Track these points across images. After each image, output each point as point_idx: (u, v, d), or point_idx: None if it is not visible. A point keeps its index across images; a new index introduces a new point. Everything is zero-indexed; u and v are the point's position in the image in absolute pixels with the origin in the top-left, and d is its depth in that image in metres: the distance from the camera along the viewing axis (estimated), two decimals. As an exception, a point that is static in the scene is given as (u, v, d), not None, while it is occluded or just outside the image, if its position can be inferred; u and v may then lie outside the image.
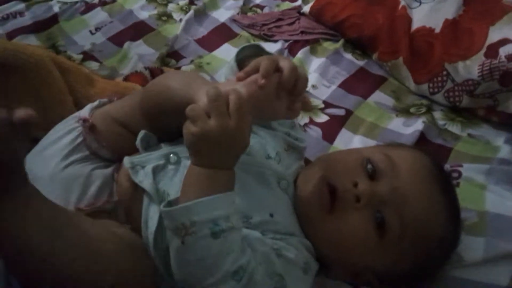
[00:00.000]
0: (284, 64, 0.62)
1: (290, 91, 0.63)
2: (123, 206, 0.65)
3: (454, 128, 1.02)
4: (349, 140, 0.95)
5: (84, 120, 0.71)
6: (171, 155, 0.68)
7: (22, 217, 0.49)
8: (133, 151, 0.70)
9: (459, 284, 0.70)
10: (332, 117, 1.01)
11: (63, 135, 0.70)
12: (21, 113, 0.46)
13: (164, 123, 0.70)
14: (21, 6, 1.20)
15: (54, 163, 0.67)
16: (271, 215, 0.65)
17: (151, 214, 0.63)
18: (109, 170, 0.69)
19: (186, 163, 0.66)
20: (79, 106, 0.80)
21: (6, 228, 0.49)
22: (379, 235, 0.65)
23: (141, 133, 0.70)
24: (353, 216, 0.65)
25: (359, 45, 1.21)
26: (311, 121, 0.99)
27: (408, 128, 1.00)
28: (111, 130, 0.72)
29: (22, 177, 0.50)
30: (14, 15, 1.17)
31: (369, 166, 0.68)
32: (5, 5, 1.20)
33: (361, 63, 1.16)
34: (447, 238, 0.68)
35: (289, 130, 0.78)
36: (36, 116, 0.47)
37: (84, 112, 0.74)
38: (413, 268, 0.67)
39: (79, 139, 0.70)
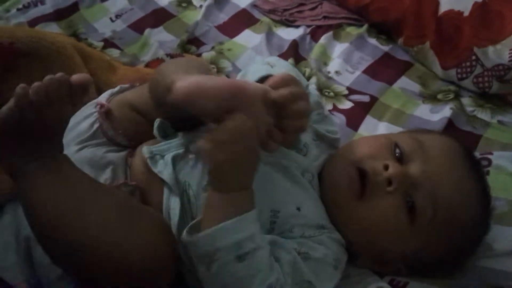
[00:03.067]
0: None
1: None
2: (140, 192, 0.64)
3: (483, 115, 0.98)
4: (374, 127, 0.93)
5: (101, 106, 0.71)
6: (192, 143, 0.66)
7: (52, 178, 0.52)
8: (149, 138, 0.69)
9: (489, 274, 0.68)
10: (356, 103, 0.98)
11: (81, 120, 0.70)
12: (79, 77, 0.49)
13: (166, 112, 0.68)
14: (26, -3, 1.19)
15: (69, 146, 0.67)
16: (298, 209, 0.64)
17: (173, 206, 0.62)
18: (122, 154, 0.68)
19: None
20: (100, 93, 0.79)
21: (35, 186, 0.52)
22: (410, 219, 0.63)
23: (157, 121, 0.69)
24: (384, 200, 0.63)
25: (384, 30, 1.17)
26: (335, 108, 0.97)
27: (436, 114, 0.97)
28: (128, 117, 0.71)
29: (59, 142, 0.54)
30: (35, 3, 1.17)
31: (397, 150, 0.66)
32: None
33: (385, 48, 1.13)
34: (477, 223, 0.66)
35: (316, 122, 0.75)
36: (92, 80, 0.50)
37: (102, 97, 0.73)
38: (443, 255, 0.65)
39: (96, 125, 0.70)
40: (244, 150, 0.54)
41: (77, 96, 0.52)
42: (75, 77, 0.51)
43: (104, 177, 0.65)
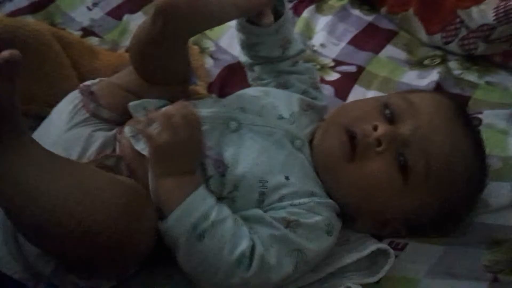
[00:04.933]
0: None
1: None
2: (127, 166, 0.63)
3: (471, 77, 0.98)
4: (363, 96, 0.92)
5: (84, 86, 0.70)
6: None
7: (17, 162, 0.51)
8: None
9: (487, 229, 0.69)
10: (344, 74, 0.97)
11: (66, 106, 0.69)
12: (5, 54, 0.47)
13: (156, 66, 0.69)
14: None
15: (57, 130, 0.66)
16: (287, 178, 0.63)
17: None
18: (111, 132, 0.67)
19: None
20: (83, 80, 0.77)
21: (1, 174, 0.50)
22: (404, 178, 0.63)
23: (134, 103, 0.68)
24: (375, 161, 0.63)
25: (366, 0, 1.16)
26: (322, 80, 0.95)
27: (423, 80, 0.96)
28: (113, 93, 0.70)
29: (17, 124, 0.52)
30: (10, -2, 1.14)
31: (387, 110, 0.65)
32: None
33: (369, 18, 1.12)
34: (472, 177, 0.66)
35: (308, 87, 0.75)
36: (20, 56, 0.48)
37: (85, 83, 0.72)
38: (440, 212, 0.65)
39: (80, 105, 0.68)
40: (188, 133, 0.58)
41: (9, 72, 0.49)
42: (3, 54, 0.48)
43: (89, 152, 0.63)
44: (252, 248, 0.56)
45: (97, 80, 0.73)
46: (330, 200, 0.65)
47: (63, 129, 0.66)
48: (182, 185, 0.57)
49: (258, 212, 0.60)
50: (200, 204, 0.57)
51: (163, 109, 0.59)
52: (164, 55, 0.67)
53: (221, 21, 0.67)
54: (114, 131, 0.67)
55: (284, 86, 0.76)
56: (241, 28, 0.75)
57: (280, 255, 0.58)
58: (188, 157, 0.59)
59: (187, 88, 0.77)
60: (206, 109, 0.67)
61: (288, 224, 0.60)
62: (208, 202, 0.57)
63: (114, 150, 0.65)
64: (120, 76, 0.74)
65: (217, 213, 0.57)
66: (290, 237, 0.59)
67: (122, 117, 0.69)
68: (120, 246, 0.52)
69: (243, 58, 0.80)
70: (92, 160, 0.62)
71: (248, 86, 0.87)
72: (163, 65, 0.69)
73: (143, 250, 0.56)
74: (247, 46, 0.77)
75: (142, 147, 0.63)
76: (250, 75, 0.81)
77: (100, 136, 0.65)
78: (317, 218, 0.61)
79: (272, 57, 0.77)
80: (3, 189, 0.51)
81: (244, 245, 0.56)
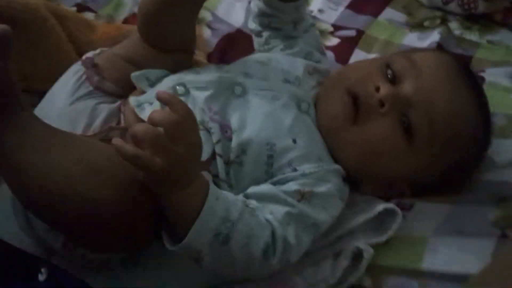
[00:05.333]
0: None
1: None
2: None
3: (472, 36, 0.97)
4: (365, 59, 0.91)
5: (86, 57, 0.69)
6: (177, 86, 0.65)
7: (18, 139, 0.50)
8: None
9: (493, 186, 0.68)
10: (343, 39, 0.97)
11: (69, 79, 0.68)
12: None
13: (166, 34, 0.67)
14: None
15: (61, 103, 0.65)
16: (294, 141, 0.63)
17: None
18: (115, 104, 0.66)
19: (195, 93, 0.64)
20: (81, 54, 0.76)
21: (2, 150, 0.49)
22: (408, 139, 0.63)
23: (137, 73, 0.67)
24: (379, 122, 0.63)
25: (363, -37, 1.14)
26: (322, 46, 0.95)
27: (424, 41, 0.96)
28: (116, 65, 0.69)
29: (15, 100, 0.50)
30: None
31: (389, 70, 0.65)
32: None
33: (367, -19, 1.10)
34: (477, 135, 0.66)
35: (313, 49, 0.75)
36: (10, 30, 0.47)
37: (87, 54, 0.71)
38: (446, 171, 0.65)
39: (83, 77, 0.67)
40: (184, 146, 0.49)
41: (2, 48, 0.48)
42: None
43: (95, 125, 0.63)
44: (273, 234, 0.56)
45: (98, 50, 0.72)
46: (337, 165, 0.65)
47: (67, 102, 0.65)
48: (192, 196, 0.52)
49: (272, 189, 0.60)
50: (216, 207, 0.53)
51: (144, 128, 0.49)
52: (180, 12, 0.66)
53: None
54: (118, 103, 0.67)
55: (289, 47, 0.76)
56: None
57: (298, 233, 0.58)
58: (191, 167, 0.52)
59: (191, 58, 0.76)
60: (210, 74, 0.66)
61: (303, 196, 0.59)
62: (222, 201, 0.54)
63: (118, 122, 0.64)
64: (123, 46, 0.72)
65: (234, 211, 0.54)
66: (306, 212, 0.59)
67: (126, 90, 0.68)
68: (123, 221, 0.52)
69: (252, 25, 0.80)
70: (97, 132, 0.62)
71: (247, 54, 0.86)
72: (175, 26, 0.68)
73: (148, 227, 0.55)
74: (261, 15, 0.77)
75: (146, 115, 0.62)
76: (256, 41, 0.80)
77: (105, 108, 0.65)
78: (329, 185, 0.62)
79: (282, 30, 0.77)
80: (5, 168, 0.51)
81: (265, 234, 0.55)
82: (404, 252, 0.62)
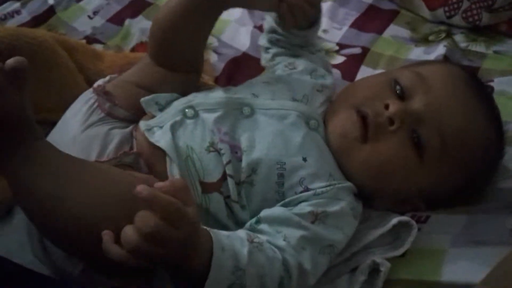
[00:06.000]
0: None
1: None
2: (146, 162, 0.63)
3: (478, 48, 0.97)
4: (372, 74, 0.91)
5: (98, 85, 0.70)
6: (187, 109, 0.65)
7: (32, 167, 0.50)
8: None
9: (507, 194, 0.67)
10: (349, 56, 0.97)
11: (80, 107, 0.68)
12: (11, 61, 0.47)
13: (178, 52, 0.69)
14: (17, 5, 1.18)
15: (73, 131, 0.65)
16: (304, 159, 0.62)
17: (174, 173, 0.60)
18: (127, 129, 0.67)
19: (204, 115, 0.64)
20: (91, 83, 0.78)
21: (18, 178, 0.50)
22: (419, 155, 0.62)
23: (146, 98, 0.68)
24: (389, 140, 0.62)
25: (365, -17, 1.16)
26: (328, 64, 0.95)
27: (430, 55, 0.96)
28: (126, 91, 0.70)
29: (31, 130, 0.51)
30: (11, 14, 1.15)
31: (398, 87, 0.64)
32: (1, 7, 1.18)
33: (369, 0, 1.11)
34: (490, 146, 0.65)
35: (318, 66, 0.76)
36: (26, 62, 0.48)
37: (98, 82, 0.72)
38: (460, 184, 0.64)
39: (95, 104, 0.68)
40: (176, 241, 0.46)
41: (17, 79, 0.49)
42: (8, 62, 0.48)
43: (108, 150, 0.63)
44: (285, 263, 0.54)
45: (107, 78, 0.73)
46: (349, 183, 0.64)
47: (79, 130, 0.65)
48: (198, 257, 0.49)
49: (285, 212, 0.59)
50: (224, 261, 0.50)
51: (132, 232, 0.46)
52: (193, 28, 0.68)
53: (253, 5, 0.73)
54: (130, 127, 0.67)
55: (294, 65, 0.76)
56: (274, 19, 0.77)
57: (313, 256, 0.57)
58: (192, 248, 0.49)
59: (199, 81, 0.77)
60: (218, 96, 0.67)
61: (316, 217, 0.59)
62: (228, 251, 0.51)
63: (131, 147, 0.64)
64: (132, 72, 0.74)
65: (242, 255, 0.52)
66: (321, 234, 0.58)
67: (137, 115, 0.68)
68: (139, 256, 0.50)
69: (262, 41, 0.82)
70: (111, 158, 0.62)
71: (254, 77, 0.87)
72: (187, 46, 0.70)
73: (163, 259, 0.52)
74: (272, 32, 0.79)
75: (156, 139, 0.63)
76: (264, 57, 0.82)
77: (117, 134, 0.65)
78: (342, 204, 0.61)
79: (289, 50, 0.79)
80: (23, 198, 0.51)
81: (277, 268, 0.54)
82: (422, 264, 0.60)
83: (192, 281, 0.50)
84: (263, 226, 0.58)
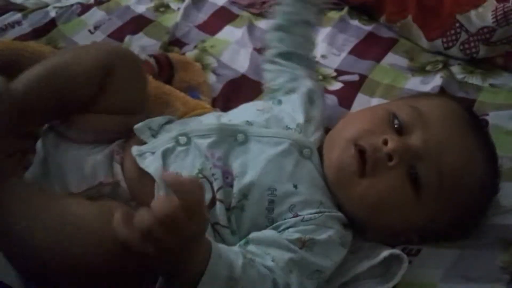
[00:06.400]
0: None
1: None
2: (130, 188, 0.63)
3: (475, 80, 0.98)
4: (367, 104, 0.92)
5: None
6: (180, 136, 0.65)
7: (4, 205, 0.51)
8: (117, 125, 0.69)
9: (500, 230, 0.67)
10: (346, 83, 0.97)
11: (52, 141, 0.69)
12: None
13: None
14: (18, 16, 1.18)
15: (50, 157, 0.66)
16: (295, 186, 0.62)
17: None
18: (102, 154, 0.66)
19: (198, 141, 0.64)
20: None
21: None
22: (416, 191, 0.62)
23: (139, 125, 0.68)
24: (387, 176, 0.62)
25: (364, 11, 1.17)
26: (325, 90, 0.95)
27: (427, 85, 0.96)
28: (86, 117, 0.68)
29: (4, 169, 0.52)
30: (12, 25, 1.15)
31: (396, 121, 0.65)
32: (2, 17, 1.18)
33: (369, 28, 1.12)
34: (485, 184, 0.65)
35: (312, 94, 0.76)
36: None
37: None
38: (454, 221, 0.64)
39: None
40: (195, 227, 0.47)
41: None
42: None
43: (84, 179, 0.63)
44: (274, 283, 0.55)
45: None
46: (339, 213, 0.64)
47: (57, 157, 0.66)
48: (195, 262, 0.50)
49: (274, 234, 0.59)
50: (219, 269, 0.51)
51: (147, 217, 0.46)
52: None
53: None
54: (105, 151, 0.67)
55: (292, 91, 0.77)
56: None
57: (301, 280, 0.57)
58: (199, 242, 0.51)
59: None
60: (211, 123, 0.67)
61: (304, 244, 0.59)
62: (224, 259, 0.52)
63: (113, 174, 0.64)
64: None
65: (237, 266, 0.53)
66: (309, 259, 0.58)
67: (106, 135, 0.68)
68: (110, 279, 0.52)
69: (267, 53, 0.83)
70: (87, 189, 0.62)
71: (252, 99, 0.88)
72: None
73: (136, 281, 0.54)
74: (290, 16, 0.82)
75: (146, 165, 0.63)
76: (265, 77, 0.82)
77: (93, 160, 0.65)
78: (330, 232, 0.61)
79: (300, 41, 0.81)
80: None
81: (268, 285, 0.54)
82: (412, 299, 0.60)
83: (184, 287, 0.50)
84: (251, 247, 0.58)
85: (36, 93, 0.62)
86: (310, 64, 0.83)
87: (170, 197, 0.45)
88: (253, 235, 0.59)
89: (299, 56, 0.81)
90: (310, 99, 0.75)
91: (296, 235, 0.59)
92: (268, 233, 0.60)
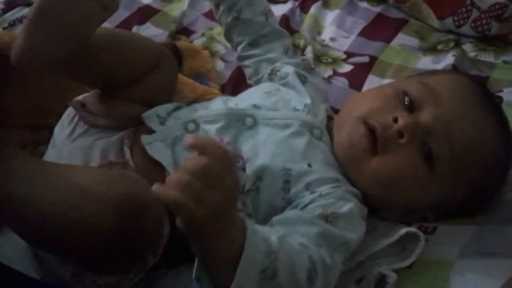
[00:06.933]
0: None
1: None
2: (138, 174, 0.62)
3: (487, 57, 0.96)
4: (380, 84, 0.91)
5: (75, 101, 0.70)
6: (188, 123, 0.65)
7: (5, 175, 0.50)
8: (137, 115, 0.68)
9: (514, 206, 0.66)
10: (357, 65, 0.96)
11: (65, 122, 0.69)
12: None
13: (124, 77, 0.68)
14: (25, 11, 1.18)
15: (61, 144, 0.66)
16: (309, 165, 0.62)
17: None
18: (114, 138, 0.66)
19: (206, 127, 0.64)
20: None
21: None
22: (429, 167, 0.61)
23: (147, 113, 0.67)
24: (399, 153, 0.61)
25: (373, -8, 1.15)
26: (335, 73, 0.95)
27: (439, 64, 0.95)
28: (101, 100, 0.69)
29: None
30: (20, 20, 1.15)
31: (406, 98, 0.64)
32: (10, 12, 1.19)
33: (377, 9, 1.11)
34: (499, 158, 0.64)
35: (300, 69, 0.75)
36: None
37: (77, 98, 0.72)
38: (469, 196, 0.63)
39: (76, 118, 0.68)
40: (224, 191, 0.46)
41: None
42: None
43: (93, 160, 0.63)
44: (310, 258, 0.53)
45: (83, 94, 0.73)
46: (355, 189, 0.63)
47: (66, 143, 0.66)
48: (232, 236, 0.48)
49: (296, 212, 0.58)
50: (257, 242, 0.49)
51: (177, 178, 0.45)
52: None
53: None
54: (117, 136, 0.66)
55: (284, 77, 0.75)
56: None
57: (331, 253, 0.55)
58: (230, 210, 0.48)
59: (169, 71, 0.74)
60: (219, 108, 0.66)
61: (327, 218, 0.58)
62: (260, 234, 0.50)
63: (122, 156, 0.64)
64: None
65: (273, 239, 0.51)
66: (335, 232, 0.57)
67: (121, 122, 0.68)
68: (119, 242, 0.50)
69: (236, 52, 0.80)
70: (97, 167, 0.62)
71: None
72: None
73: (148, 246, 0.54)
74: (228, 8, 0.78)
75: (156, 153, 0.63)
76: (246, 73, 0.81)
77: (101, 144, 0.65)
78: (350, 205, 0.60)
79: (257, 23, 0.77)
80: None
81: (305, 259, 0.52)
82: (429, 276, 0.59)
83: (222, 266, 0.48)
84: (277, 228, 0.57)
85: (107, 44, 0.65)
86: (279, 35, 0.79)
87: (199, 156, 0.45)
88: (275, 218, 0.58)
89: (265, 35, 0.78)
90: (301, 79, 0.74)
91: (318, 211, 0.58)
92: (290, 213, 0.59)
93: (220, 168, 0.46)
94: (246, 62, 0.80)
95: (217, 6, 0.79)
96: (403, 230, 0.61)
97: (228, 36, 0.81)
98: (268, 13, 0.79)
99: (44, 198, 0.50)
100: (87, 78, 0.70)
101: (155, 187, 0.45)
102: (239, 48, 0.80)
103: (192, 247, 0.49)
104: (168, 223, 0.54)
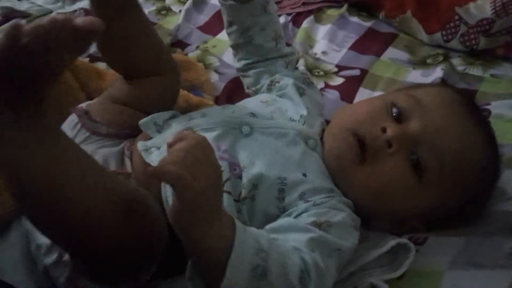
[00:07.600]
0: None
1: None
2: (138, 183, 0.63)
3: (475, 71, 0.99)
4: (369, 97, 0.93)
5: (78, 108, 0.71)
6: (185, 131, 0.66)
7: (46, 154, 0.45)
8: (135, 122, 0.69)
9: (504, 217, 0.67)
10: (348, 78, 0.98)
11: (66, 129, 0.69)
12: (86, 20, 0.40)
13: (128, 56, 0.71)
14: (22, 22, 1.20)
15: None
16: (304, 175, 0.63)
17: (168, 194, 0.60)
18: (115, 148, 0.67)
19: (203, 134, 0.64)
20: (92, 101, 0.79)
21: (23, 164, 0.44)
22: (418, 177, 0.62)
23: (144, 120, 0.68)
24: (387, 163, 0.63)
25: (363, 7, 1.18)
26: (327, 85, 0.97)
27: (428, 78, 0.97)
28: (106, 108, 0.71)
29: (43, 106, 0.45)
30: (15, 31, 1.17)
31: (394, 109, 0.65)
32: (6, 24, 1.20)
33: (368, 24, 1.14)
34: (486, 167, 0.65)
35: (298, 82, 0.76)
36: (104, 25, 0.41)
37: (80, 105, 0.73)
38: (457, 205, 0.65)
39: (79, 125, 0.69)
40: (213, 168, 0.48)
41: (80, 43, 0.42)
42: (81, 20, 0.41)
43: None
44: (302, 259, 0.53)
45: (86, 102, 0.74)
46: (347, 199, 0.64)
47: None
48: (221, 231, 0.49)
49: (289, 220, 0.59)
50: (247, 239, 0.50)
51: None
52: (121, 27, 0.68)
53: None
54: (119, 146, 0.67)
55: (283, 88, 0.77)
56: (228, 10, 0.78)
57: (323, 258, 0.56)
58: (219, 193, 0.50)
59: (176, 82, 0.77)
60: (216, 116, 0.67)
61: (320, 226, 0.58)
62: (250, 233, 0.51)
63: (122, 166, 0.65)
64: (109, 89, 0.75)
65: (263, 240, 0.51)
66: (328, 238, 0.57)
67: (122, 131, 0.69)
68: (120, 250, 0.50)
69: (238, 64, 0.82)
70: None
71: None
72: (125, 45, 0.71)
73: (145, 256, 0.53)
74: (241, 31, 0.79)
75: (152, 159, 0.63)
76: (245, 82, 0.82)
77: (102, 153, 0.65)
78: (343, 214, 0.61)
79: (267, 48, 0.79)
80: (27, 183, 0.45)
81: (297, 260, 0.52)
82: (420, 286, 0.60)
83: (213, 263, 0.48)
84: (271, 235, 0.57)
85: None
86: (284, 56, 0.81)
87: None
88: (269, 226, 0.59)
89: (271, 58, 0.80)
90: (299, 91, 0.75)
91: (311, 219, 0.58)
92: (283, 220, 0.60)
93: (205, 147, 0.49)
94: (246, 73, 0.81)
95: (229, 23, 0.80)
96: (394, 241, 0.62)
97: (234, 49, 0.82)
98: (278, 38, 0.80)
99: (77, 190, 0.47)
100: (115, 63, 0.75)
101: (152, 167, 0.47)
102: (243, 62, 0.81)
103: (184, 243, 0.49)
104: (167, 232, 0.54)
